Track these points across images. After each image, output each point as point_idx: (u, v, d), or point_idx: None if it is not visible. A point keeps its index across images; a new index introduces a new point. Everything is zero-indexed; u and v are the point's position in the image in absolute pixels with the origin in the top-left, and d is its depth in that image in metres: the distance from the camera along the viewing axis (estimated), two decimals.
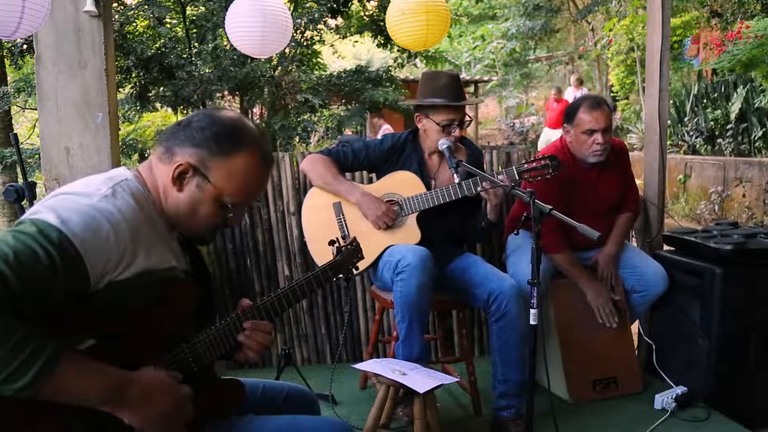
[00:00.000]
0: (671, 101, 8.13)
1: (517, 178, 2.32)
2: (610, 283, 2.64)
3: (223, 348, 1.25)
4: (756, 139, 7.12)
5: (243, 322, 1.28)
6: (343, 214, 2.44)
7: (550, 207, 1.81)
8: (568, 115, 2.62)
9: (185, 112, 6.54)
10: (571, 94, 11.25)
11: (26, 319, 0.93)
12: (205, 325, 1.26)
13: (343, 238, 1.52)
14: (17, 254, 0.93)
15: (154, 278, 1.13)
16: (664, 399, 2.48)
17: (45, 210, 1.02)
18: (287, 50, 7.06)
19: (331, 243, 1.51)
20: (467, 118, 2.43)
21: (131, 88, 6.50)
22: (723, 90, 7.89)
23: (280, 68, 7.28)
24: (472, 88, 15.85)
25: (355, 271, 1.51)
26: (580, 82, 11.54)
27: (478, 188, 2.27)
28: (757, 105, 7.07)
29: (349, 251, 1.48)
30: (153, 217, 1.18)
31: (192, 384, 1.18)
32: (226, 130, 1.17)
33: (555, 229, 2.47)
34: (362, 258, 1.53)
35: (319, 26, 7.22)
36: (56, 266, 0.96)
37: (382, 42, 7.86)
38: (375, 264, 2.40)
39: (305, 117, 7.43)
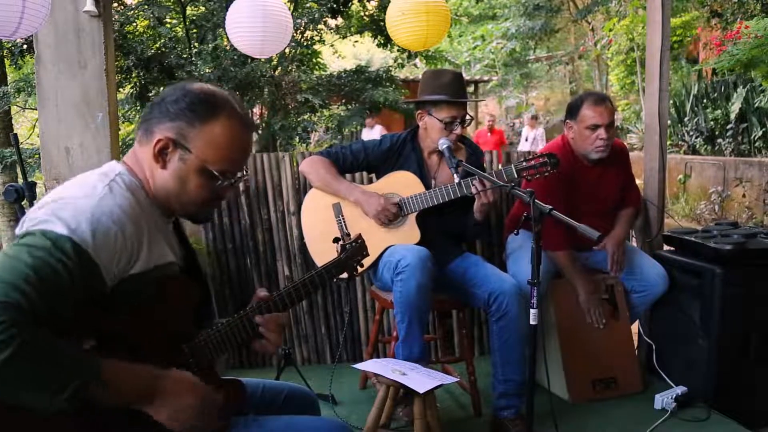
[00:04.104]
0: (671, 101, 8.13)
1: (516, 177, 2.32)
2: (620, 265, 2.64)
3: (224, 348, 1.25)
4: (756, 139, 7.12)
5: (243, 322, 1.28)
6: (342, 215, 2.44)
7: (550, 207, 1.81)
8: (571, 110, 2.63)
9: None
10: (526, 133, 10.93)
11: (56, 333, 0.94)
12: (204, 324, 1.26)
13: (347, 236, 1.52)
14: (37, 272, 0.94)
15: (155, 274, 1.13)
16: (664, 399, 2.48)
17: (52, 219, 1.01)
18: (287, 50, 7.06)
19: (336, 241, 1.51)
20: (468, 117, 2.43)
21: (131, 88, 6.50)
22: (723, 90, 7.89)
23: (280, 68, 7.29)
24: (472, 88, 15.84)
25: (359, 269, 1.50)
26: (536, 119, 11.12)
27: (471, 190, 2.27)
28: (757, 105, 7.08)
29: (354, 248, 1.48)
30: (149, 207, 1.18)
31: None
32: (199, 98, 1.16)
33: (557, 227, 2.47)
34: (367, 255, 1.52)
35: (319, 26, 7.22)
36: (74, 277, 0.97)
37: (382, 42, 7.87)
38: (375, 264, 2.40)
39: (305, 117, 7.43)
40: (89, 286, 1.00)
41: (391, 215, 2.36)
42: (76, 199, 1.07)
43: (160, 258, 1.15)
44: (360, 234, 1.53)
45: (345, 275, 1.47)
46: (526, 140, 10.80)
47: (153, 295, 1.13)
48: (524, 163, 2.33)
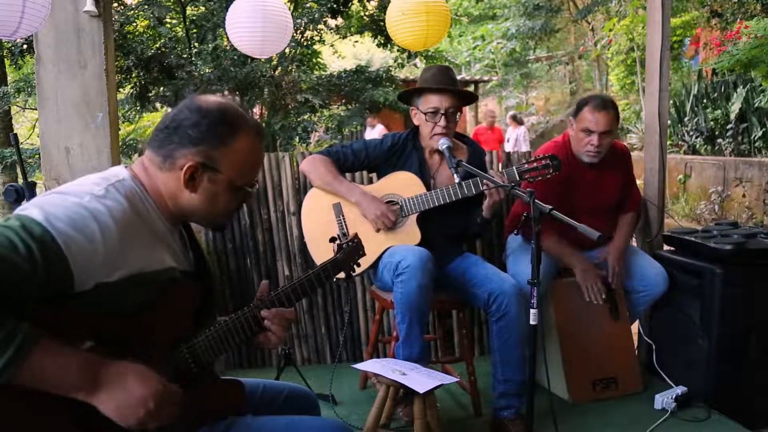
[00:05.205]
0: (671, 101, 8.12)
1: (518, 178, 2.32)
2: (619, 279, 2.63)
3: (223, 348, 1.25)
4: (756, 139, 7.11)
5: (244, 319, 1.27)
6: (343, 215, 2.43)
7: (550, 207, 1.81)
8: (576, 109, 2.61)
9: None
10: (509, 134, 10.72)
11: (4, 305, 0.93)
12: (206, 324, 1.26)
13: (344, 235, 1.51)
14: None
15: (150, 280, 1.12)
16: (664, 399, 2.49)
17: (32, 207, 1.03)
18: (287, 50, 7.06)
19: (332, 240, 1.50)
20: (455, 110, 2.39)
21: (131, 88, 6.51)
22: (723, 90, 7.88)
23: (280, 68, 7.29)
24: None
25: (356, 268, 1.50)
26: (516, 120, 10.80)
27: (482, 187, 2.27)
28: (756, 105, 7.06)
29: (350, 248, 1.47)
30: (149, 217, 1.17)
31: (192, 384, 1.18)
32: (218, 118, 1.17)
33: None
34: (364, 255, 1.52)
35: (319, 26, 7.22)
36: (35, 259, 0.96)
37: (382, 42, 7.87)
38: (375, 264, 2.40)
39: (305, 117, 7.43)
40: (54, 275, 0.99)
41: (390, 223, 2.35)
42: (66, 195, 1.07)
43: (155, 263, 1.14)
44: (356, 234, 1.52)
45: (342, 275, 1.46)
46: (508, 141, 10.56)
47: (150, 300, 1.13)
48: (526, 165, 2.33)
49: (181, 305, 1.20)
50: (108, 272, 1.05)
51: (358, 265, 1.50)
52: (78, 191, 1.08)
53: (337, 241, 1.47)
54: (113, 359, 1.05)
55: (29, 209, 1.02)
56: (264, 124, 7.07)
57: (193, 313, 1.24)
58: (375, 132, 10.28)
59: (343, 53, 10.13)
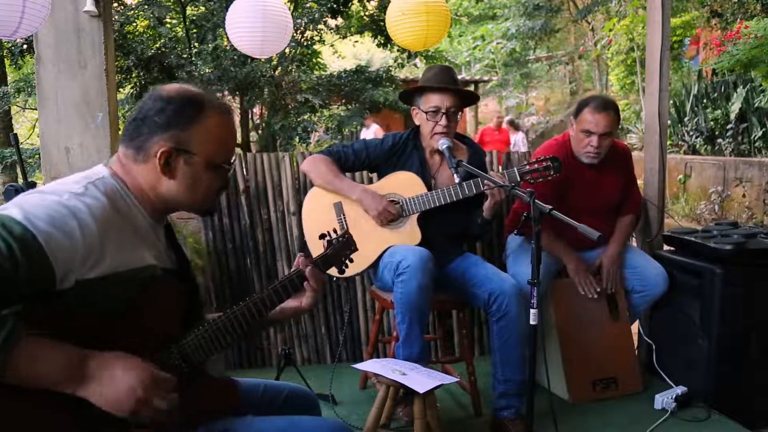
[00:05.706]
0: (671, 101, 8.12)
1: (519, 179, 2.32)
2: (614, 284, 2.64)
3: (214, 348, 1.24)
4: (756, 139, 7.11)
5: (233, 323, 1.27)
6: (344, 214, 2.43)
7: (550, 207, 1.81)
8: (577, 109, 2.61)
9: None
10: (510, 135, 10.62)
11: None
12: (193, 325, 1.26)
13: (334, 231, 1.50)
14: None
15: (129, 278, 1.12)
16: (664, 399, 2.49)
17: (12, 206, 1.03)
18: (287, 50, 7.07)
19: (322, 237, 1.50)
20: (456, 110, 2.39)
21: (131, 88, 6.52)
22: (723, 90, 7.88)
23: (280, 68, 7.30)
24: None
25: (348, 263, 1.49)
26: (514, 126, 10.73)
27: (483, 188, 2.27)
28: (756, 105, 7.06)
29: (340, 243, 1.47)
30: (130, 213, 1.17)
31: (183, 385, 1.17)
32: (182, 102, 1.19)
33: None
34: (355, 250, 1.50)
35: (319, 26, 7.23)
36: (16, 259, 0.96)
37: (382, 42, 7.88)
38: (375, 264, 2.40)
39: (305, 117, 7.44)
40: (35, 274, 0.99)
41: (391, 216, 2.36)
42: (45, 194, 1.08)
43: (135, 261, 1.14)
44: (347, 230, 1.52)
45: (335, 271, 1.46)
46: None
47: (132, 298, 1.12)
48: (527, 167, 2.33)
49: (163, 303, 1.20)
50: (88, 269, 1.05)
51: (351, 261, 1.49)
52: (58, 190, 1.09)
53: (327, 237, 1.47)
54: (97, 351, 1.04)
55: (9, 209, 1.02)
56: (264, 124, 7.08)
57: (179, 313, 1.23)
58: (370, 132, 10.25)
59: (343, 53, 10.15)
